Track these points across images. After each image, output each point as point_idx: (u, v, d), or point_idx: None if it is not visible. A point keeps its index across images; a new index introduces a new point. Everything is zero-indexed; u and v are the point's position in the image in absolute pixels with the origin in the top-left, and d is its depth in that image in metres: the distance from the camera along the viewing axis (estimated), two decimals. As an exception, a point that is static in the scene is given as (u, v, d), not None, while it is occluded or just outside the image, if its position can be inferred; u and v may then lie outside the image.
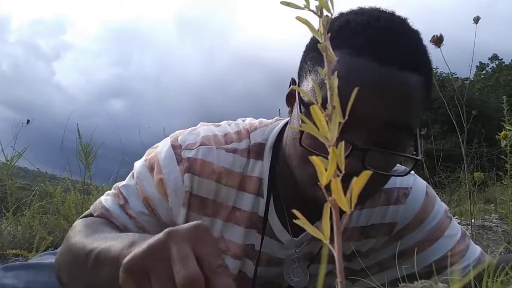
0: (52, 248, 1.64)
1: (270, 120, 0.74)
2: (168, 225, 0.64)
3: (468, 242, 0.73)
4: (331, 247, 0.19)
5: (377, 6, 0.57)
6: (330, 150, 0.18)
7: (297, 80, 0.64)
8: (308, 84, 0.58)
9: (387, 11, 0.56)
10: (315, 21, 0.18)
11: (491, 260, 0.48)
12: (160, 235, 0.39)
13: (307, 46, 0.62)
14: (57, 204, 2.06)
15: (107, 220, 0.66)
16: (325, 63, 0.17)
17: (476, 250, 0.74)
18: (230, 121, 0.74)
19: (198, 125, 0.72)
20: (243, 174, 0.67)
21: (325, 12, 0.16)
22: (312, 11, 0.16)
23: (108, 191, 0.72)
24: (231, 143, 0.68)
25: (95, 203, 0.71)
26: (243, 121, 0.74)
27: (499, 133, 1.78)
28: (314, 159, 0.19)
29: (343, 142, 0.19)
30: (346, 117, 0.17)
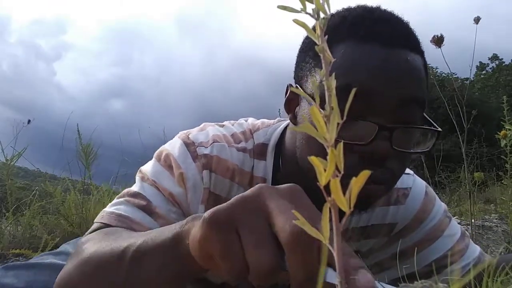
0: (52, 248, 1.64)
1: (272, 121, 0.74)
2: None
3: (467, 242, 0.74)
4: (330, 248, 0.19)
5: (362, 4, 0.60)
6: (328, 150, 0.18)
7: (294, 81, 0.64)
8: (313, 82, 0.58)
9: (374, 5, 0.59)
10: (312, 24, 0.18)
11: (491, 260, 0.48)
12: (250, 190, 0.35)
13: (305, 44, 0.62)
14: (57, 204, 2.06)
15: (128, 229, 0.58)
16: (323, 65, 0.17)
17: (475, 249, 0.74)
18: (232, 121, 0.74)
19: (202, 125, 0.72)
20: (251, 174, 0.67)
21: (321, 15, 0.16)
22: (309, 14, 0.16)
23: (113, 202, 0.65)
24: (240, 142, 0.68)
25: (100, 216, 0.63)
26: (246, 121, 0.74)
27: (499, 133, 1.78)
28: (313, 159, 0.19)
29: (341, 143, 0.19)
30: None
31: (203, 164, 0.63)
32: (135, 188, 0.65)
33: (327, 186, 0.19)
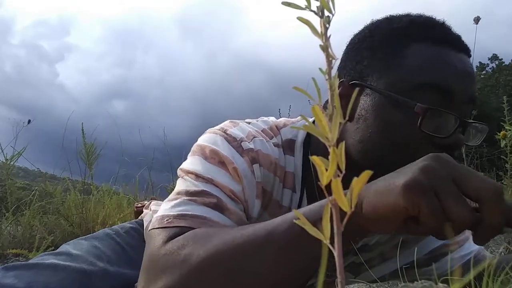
0: (52, 248, 1.64)
1: (296, 119, 0.75)
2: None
3: (467, 235, 0.75)
4: (331, 247, 0.19)
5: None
6: (330, 150, 0.18)
7: (347, 76, 0.63)
8: (387, 79, 0.59)
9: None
10: (317, 22, 0.18)
11: (491, 260, 0.48)
12: (431, 159, 0.42)
13: (369, 40, 0.63)
14: (57, 204, 2.06)
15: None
16: (326, 63, 0.17)
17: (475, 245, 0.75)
18: (255, 119, 0.73)
19: (228, 121, 0.69)
20: (285, 169, 0.67)
21: (326, 13, 0.16)
22: (313, 11, 0.16)
23: (172, 204, 0.57)
24: (272, 137, 0.67)
25: (162, 221, 0.55)
26: (268, 119, 0.74)
27: (498, 133, 1.78)
28: (315, 159, 0.19)
29: (343, 143, 0.19)
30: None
31: (251, 158, 0.61)
32: (190, 186, 0.58)
33: (328, 186, 0.19)
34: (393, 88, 0.58)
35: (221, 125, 0.67)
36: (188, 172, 0.61)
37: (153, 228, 0.55)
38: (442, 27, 0.61)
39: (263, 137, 0.66)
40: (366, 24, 0.66)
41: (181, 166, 0.64)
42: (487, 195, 0.39)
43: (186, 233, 0.51)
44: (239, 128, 0.66)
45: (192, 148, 0.65)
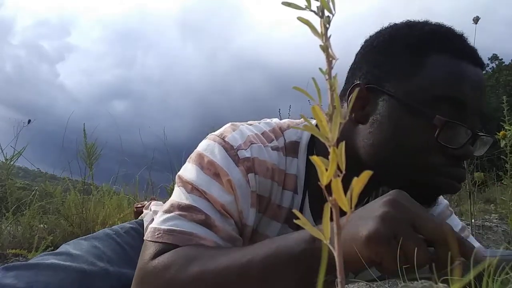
0: (52, 248, 1.64)
1: (299, 120, 0.75)
2: (240, 229, 0.63)
3: (467, 234, 0.76)
4: (331, 247, 0.19)
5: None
6: (330, 150, 0.18)
7: (362, 80, 0.64)
8: (412, 84, 0.60)
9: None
10: (317, 22, 0.18)
11: (491, 260, 0.48)
12: (388, 205, 0.45)
13: (383, 44, 0.63)
14: (57, 204, 2.06)
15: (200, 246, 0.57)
16: (326, 64, 0.17)
17: (475, 242, 0.75)
18: (258, 121, 0.73)
19: (229, 124, 0.70)
20: (285, 172, 0.67)
21: (326, 13, 0.16)
22: (313, 11, 0.16)
23: (162, 218, 0.60)
24: (272, 141, 0.68)
25: (153, 235, 0.58)
26: (271, 120, 0.75)
27: (498, 133, 1.78)
28: (315, 159, 0.19)
29: (343, 143, 0.19)
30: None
31: (247, 167, 0.62)
32: (183, 199, 0.61)
33: (328, 186, 0.19)
34: (412, 97, 0.59)
35: (222, 129, 0.68)
36: (182, 181, 0.64)
37: (146, 240, 0.60)
38: (461, 39, 0.62)
39: (261, 143, 0.66)
40: (384, 27, 0.66)
41: (179, 173, 0.66)
42: (441, 237, 0.43)
43: (171, 252, 0.55)
44: (238, 132, 0.66)
45: (192, 155, 0.67)
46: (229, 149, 0.63)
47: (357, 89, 0.63)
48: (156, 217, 0.62)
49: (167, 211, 0.61)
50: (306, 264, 0.48)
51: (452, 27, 0.63)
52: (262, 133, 0.68)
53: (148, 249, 0.58)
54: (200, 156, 0.65)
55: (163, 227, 0.58)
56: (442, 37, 0.61)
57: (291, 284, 0.49)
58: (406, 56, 0.61)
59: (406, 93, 0.59)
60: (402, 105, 0.59)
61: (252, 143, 0.65)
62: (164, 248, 0.56)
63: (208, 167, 0.63)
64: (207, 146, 0.66)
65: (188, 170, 0.65)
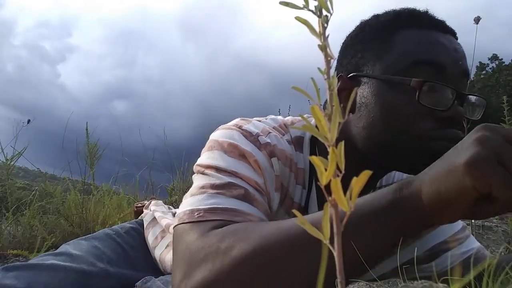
0: (54, 249, 1.64)
1: (305, 115, 0.75)
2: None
3: (467, 233, 0.76)
4: (331, 247, 0.19)
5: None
6: (329, 150, 0.18)
7: (343, 71, 0.66)
8: (380, 66, 0.61)
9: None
10: (315, 21, 0.18)
11: (491, 260, 0.48)
12: (476, 133, 0.39)
13: (367, 34, 0.65)
14: (57, 204, 2.06)
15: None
16: (324, 63, 0.17)
17: (475, 241, 0.76)
18: (264, 117, 0.73)
19: (239, 119, 0.68)
20: (297, 165, 0.68)
21: (324, 12, 0.16)
22: (311, 11, 0.16)
23: (198, 198, 0.55)
24: (284, 135, 0.68)
25: (191, 215, 0.53)
26: (276, 117, 0.75)
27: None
28: (314, 159, 0.19)
29: (342, 142, 0.19)
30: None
31: (269, 152, 0.62)
32: (213, 180, 0.56)
33: (327, 186, 0.19)
34: (388, 71, 0.60)
35: (233, 122, 0.67)
36: (208, 167, 0.59)
37: (183, 223, 0.53)
38: (427, 14, 0.64)
39: (277, 133, 0.67)
40: (356, 25, 0.69)
41: (198, 162, 0.62)
42: None
43: (224, 227, 0.49)
44: (252, 125, 0.66)
45: (207, 144, 0.64)
46: (249, 136, 0.62)
47: (339, 82, 0.64)
48: (185, 202, 0.56)
49: (198, 193, 0.55)
50: (395, 216, 0.43)
51: (416, 7, 0.65)
52: (273, 128, 0.69)
53: (191, 230, 0.51)
54: (219, 142, 0.61)
55: (202, 206, 0.53)
56: (407, 15, 0.63)
57: (381, 240, 0.44)
58: (377, 40, 0.63)
59: (383, 69, 0.61)
60: (382, 81, 0.60)
61: (269, 132, 0.65)
62: (213, 225, 0.50)
63: (231, 149, 0.59)
64: (224, 133, 0.63)
65: (209, 157, 0.60)
